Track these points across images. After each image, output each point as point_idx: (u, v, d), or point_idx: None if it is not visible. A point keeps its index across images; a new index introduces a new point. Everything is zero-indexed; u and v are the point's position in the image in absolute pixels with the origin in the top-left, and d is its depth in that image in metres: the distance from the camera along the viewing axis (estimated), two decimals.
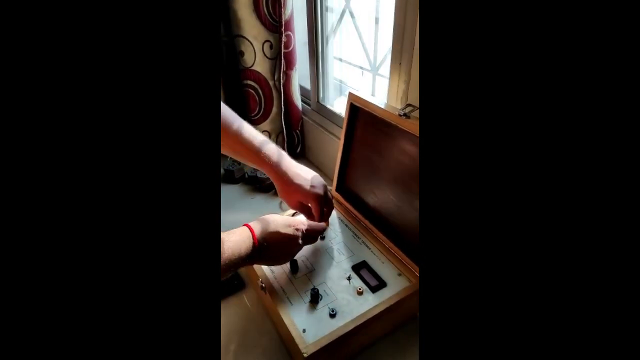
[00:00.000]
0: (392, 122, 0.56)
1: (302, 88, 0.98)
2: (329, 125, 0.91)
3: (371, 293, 0.52)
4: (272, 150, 0.56)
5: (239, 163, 0.93)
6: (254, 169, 0.91)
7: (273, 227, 0.50)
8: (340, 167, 0.70)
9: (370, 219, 0.64)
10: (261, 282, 0.55)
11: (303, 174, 0.57)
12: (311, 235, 0.55)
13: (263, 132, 0.92)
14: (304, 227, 0.53)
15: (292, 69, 0.89)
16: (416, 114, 0.54)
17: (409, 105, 0.54)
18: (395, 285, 0.53)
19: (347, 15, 0.83)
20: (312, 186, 0.57)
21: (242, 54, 0.86)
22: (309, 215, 0.60)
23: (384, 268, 0.56)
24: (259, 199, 0.87)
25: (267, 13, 0.82)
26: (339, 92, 0.96)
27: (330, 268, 0.57)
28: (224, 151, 0.56)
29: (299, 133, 0.99)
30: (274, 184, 0.57)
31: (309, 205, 0.58)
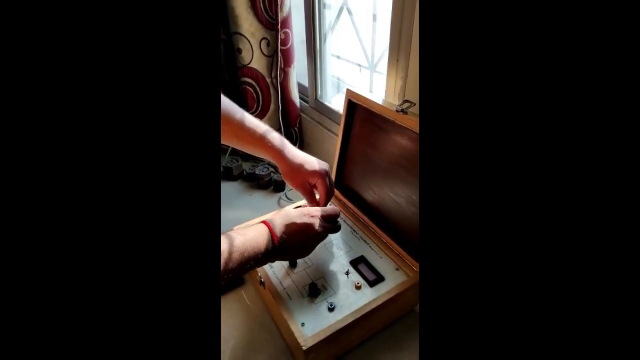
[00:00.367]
0: (390, 118, 0.57)
1: (300, 85, 0.98)
2: (327, 122, 0.92)
3: (369, 287, 0.53)
4: (276, 136, 0.56)
5: (238, 160, 0.93)
6: (253, 165, 0.91)
7: (288, 220, 0.50)
8: (338, 164, 0.71)
9: (368, 215, 0.65)
10: (260, 277, 0.55)
11: (307, 156, 0.58)
12: (329, 220, 0.53)
13: None
14: (318, 214, 0.52)
15: (289, 66, 0.89)
16: (413, 109, 0.55)
17: (406, 101, 0.54)
18: (393, 280, 0.54)
19: (344, 12, 0.83)
20: (314, 165, 0.57)
21: (239, 51, 0.87)
22: (312, 199, 0.60)
23: (381, 263, 0.57)
24: (258, 196, 0.88)
25: (264, 10, 0.82)
26: (336, 89, 0.96)
27: (329, 263, 0.57)
28: (226, 140, 0.56)
29: (297, 130, 0.99)
30: (278, 166, 0.57)
31: (314, 185, 0.58)
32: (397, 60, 0.63)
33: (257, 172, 0.89)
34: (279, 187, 0.88)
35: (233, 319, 0.57)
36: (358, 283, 0.53)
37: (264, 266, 0.57)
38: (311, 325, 0.47)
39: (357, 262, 0.57)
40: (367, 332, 0.53)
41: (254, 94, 0.91)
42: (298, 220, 0.50)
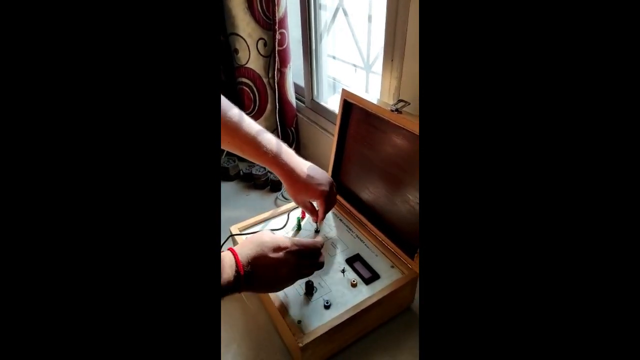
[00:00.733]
0: (385, 117, 0.57)
1: (296, 85, 0.99)
2: (323, 122, 0.92)
3: (365, 285, 0.54)
4: (287, 152, 0.56)
5: (234, 160, 0.94)
6: (249, 166, 0.92)
7: (259, 250, 0.44)
8: (334, 163, 0.71)
9: (363, 213, 0.65)
10: None
11: (311, 172, 0.58)
12: (308, 256, 0.48)
13: None
14: (295, 248, 0.46)
15: (286, 67, 0.90)
16: (408, 109, 0.55)
17: (400, 100, 0.55)
18: (389, 277, 0.54)
19: (340, 13, 0.83)
20: (318, 184, 0.57)
21: (236, 51, 0.87)
22: (313, 213, 0.61)
23: (377, 261, 0.58)
24: (255, 196, 0.88)
25: (261, 11, 0.82)
26: (333, 89, 0.97)
27: (325, 261, 0.58)
28: (230, 149, 0.56)
29: (293, 130, 0.99)
30: (282, 182, 0.58)
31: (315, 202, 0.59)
32: (392, 60, 0.64)
33: (253, 172, 0.89)
34: (275, 187, 0.89)
35: (230, 317, 0.57)
36: (354, 281, 0.54)
37: None
38: (307, 323, 0.48)
39: (353, 260, 0.58)
40: (363, 329, 0.53)
41: (251, 94, 0.92)
42: (270, 254, 0.44)
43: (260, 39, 0.85)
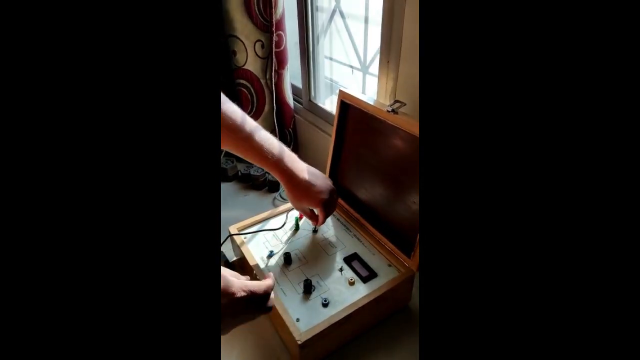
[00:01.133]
0: (381, 118, 0.58)
1: (293, 87, 0.99)
2: (321, 123, 0.93)
3: (362, 283, 0.54)
4: (289, 157, 0.56)
5: (233, 161, 0.94)
6: (247, 166, 0.92)
7: None
8: (331, 163, 0.72)
9: (361, 213, 0.66)
10: (255, 274, 0.56)
11: (312, 179, 0.57)
12: (255, 301, 0.44)
13: None
14: (243, 294, 0.43)
15: (283, 68, 0.90)
16: (404, 109, 0.56)
17: (396, 101, 0.56)
18: (386, 276, 0.55)
19: (337, 15, 0.84)
20: (318, 192, 0.57)
21: (234, 53, 0.88)
22: (313, 218, 0.61)
23: (374, 259, 0.58)
24: (253, 196, 0.89)
25: (258, 13, 0.83)
26: (330, 90, 0.98)
27: (323, 260, 0.59)
28: (230, 150, 0.55)
29: (291, 131, 1.00)
30: (282, 186, 0.58)
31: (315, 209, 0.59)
32: (388, 62, 0.65)
33: (251, 172, 0.90)
34: (273, 187, 0.89)
35: None
36: (351, 279, 0.54)
37: (259, 263, 0.58)
38: (306, 321, 0.48)
39: (351, 259, 0.58)
40: (360, 327, 0.54)
41: (249, 95, 0.92)
42: None
43: (258, 40, 0.86)
